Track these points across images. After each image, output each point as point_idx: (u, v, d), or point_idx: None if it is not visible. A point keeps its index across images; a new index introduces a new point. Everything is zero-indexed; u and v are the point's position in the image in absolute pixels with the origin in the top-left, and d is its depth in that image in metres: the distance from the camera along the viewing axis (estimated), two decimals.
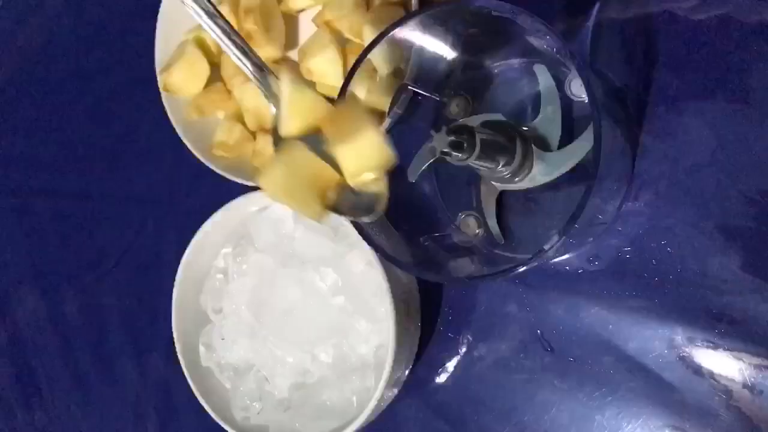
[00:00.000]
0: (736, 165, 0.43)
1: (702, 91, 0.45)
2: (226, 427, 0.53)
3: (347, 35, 0.54)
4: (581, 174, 0.41)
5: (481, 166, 0.41)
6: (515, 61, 0.47)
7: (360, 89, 0.42)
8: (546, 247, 0.35)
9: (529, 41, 0.42)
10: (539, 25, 0.36)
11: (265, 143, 0.57)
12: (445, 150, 0.37)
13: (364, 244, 0.40)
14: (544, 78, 0.43)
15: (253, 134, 0.59)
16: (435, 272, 0.41)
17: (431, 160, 0.44)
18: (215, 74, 0.61)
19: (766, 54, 0.43)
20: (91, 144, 0.73)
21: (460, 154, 0.37)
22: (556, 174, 0.41)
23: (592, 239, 0.47)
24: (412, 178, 0.45)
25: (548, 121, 0.43)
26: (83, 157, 0.73)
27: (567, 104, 0.43)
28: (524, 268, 0.36)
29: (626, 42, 0.47)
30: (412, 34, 0.41)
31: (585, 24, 0.48)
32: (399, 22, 0.39)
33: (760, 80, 0.43)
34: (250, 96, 0.57)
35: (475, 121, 0.42)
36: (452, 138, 0.36)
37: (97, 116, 0.73)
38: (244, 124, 0.59)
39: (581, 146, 0.40)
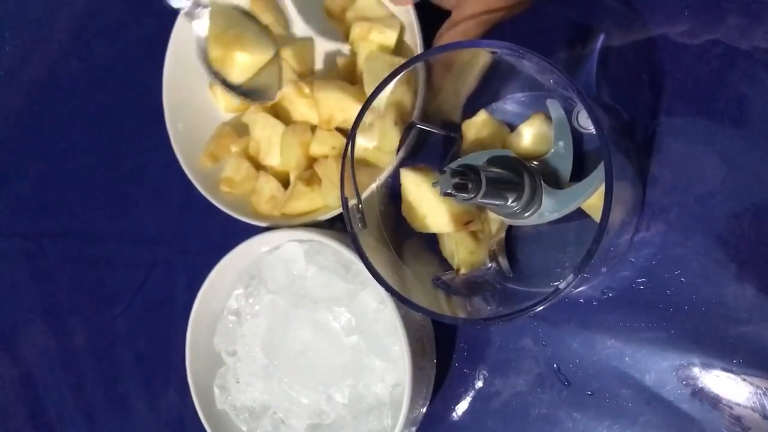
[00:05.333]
0: (746, 192, 0.43)
1: (709, 118, 0.45)
2: None
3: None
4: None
5: (488, 203, 0.40)
6: (522, 95, 0.47)
7: (368, 129, 0.42)
8: (561, 285, 0.35)
9: (536, 78, 0.42)
10: (545, 64, 0.36)
11: (264, 182, 0.57)
12: (449, 191, 0.36)
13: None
14: (556, 113, 0.43)
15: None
16: (450, 313, 0.40)
17: None
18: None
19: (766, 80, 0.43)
20: (100, 185, 0.73)
21: (465, 195, 0.36)
22: (564, 212, 0.41)
23: (605, 270, 0.47)
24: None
25: (560, 156, 0.42)
26: (92, 199, 0.73)
27: (577, 136, 0.43)
28: (540, 308, 0.35)
29: (632, 72, 0.47)
30: (418, 74, 0.41)
31: (591, 55, 0.48)
32: (406, 65, 0.39)
33: (766, 107, 0.43)
34: (261, 126, 0.58)
35: (481, 158, 0.42)
36: (456, 180, 0.35)
37: (106, 157, 0.73)
38: (251, 161, 0.59)
39: (591, 185, 0.39)
